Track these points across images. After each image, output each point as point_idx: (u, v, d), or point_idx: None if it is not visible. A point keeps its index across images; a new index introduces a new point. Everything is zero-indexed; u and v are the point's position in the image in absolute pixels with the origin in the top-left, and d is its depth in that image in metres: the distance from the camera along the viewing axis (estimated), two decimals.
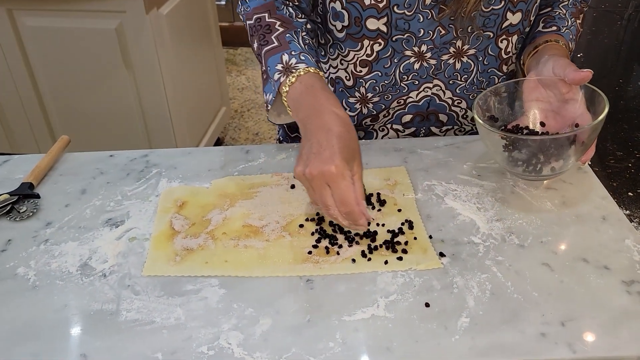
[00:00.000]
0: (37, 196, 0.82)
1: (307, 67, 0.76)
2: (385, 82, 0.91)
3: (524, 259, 0.69)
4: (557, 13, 0.91)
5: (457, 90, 0.93)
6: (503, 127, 0.82)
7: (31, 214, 0.79)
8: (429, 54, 0.88)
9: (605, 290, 0.64)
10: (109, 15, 1.77)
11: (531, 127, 0.81)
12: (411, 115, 0.97)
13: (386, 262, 0.69)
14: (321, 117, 0.70)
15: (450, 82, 0.92)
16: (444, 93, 0.94)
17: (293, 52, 0.78)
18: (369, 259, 0.70)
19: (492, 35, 0.87)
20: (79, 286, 0.68)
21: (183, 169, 0.88)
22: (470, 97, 0.94)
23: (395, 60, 0.89)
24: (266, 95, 0.82)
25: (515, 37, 0.89)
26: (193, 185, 0.84)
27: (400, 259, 0.70)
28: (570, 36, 0.89)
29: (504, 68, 0.93)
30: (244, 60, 3.46)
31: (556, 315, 0.62)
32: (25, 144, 2.12)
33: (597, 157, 0.87)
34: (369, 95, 0.93)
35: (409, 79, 0.91)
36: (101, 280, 0.68)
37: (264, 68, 0.82)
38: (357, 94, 0.94)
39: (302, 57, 0.77)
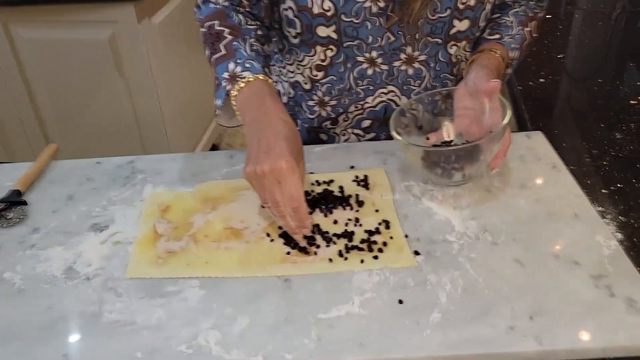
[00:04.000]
0: (25, 203, 0.84)
1: (252, 74, 0.79)
2: (341, 86, 0.93)
3: (496, 256, 0.71)
4: (504, 21, 0.91)
5: (412, 96, 0.95)
6: (427, 136, 0.87)
7: (18, 220, 0.81)
8: (380, 60, 0.90)
9: (574, 285, 0.66)
10: (102, 25, 1.80)
11: (452, 136, 0.86)
12: (370, 121, 0.99)
13: (362, 261, 0.71)
14: (269, 120, 0.74)
15: (405, 87, 0.94)
16: (400, 99, 0.95)
17: (239, 61, 0.81)
18: (346, 259, 0.72)
19: (440, 41, 0.89)
20: (63, 289, 0.70)
21: (168, 174, 0.90)
22: (426, 100, 0.93)
23: (349, 66, 0.91)
24: (216, 100, 0.84)
25: (464, 43, 0.91)
26: (177, 190, 0.86)
27: (376, 257, 0.72)
28: (513, 45, 0.89)
29: (457, 72, 0.95)
30: None
31: (525, 309, 0.63)
32: (22, 153, 2.15)
33: (573, 156, 0.89)
34: (326, 98, 0.96)
35: (364, 84, 0.93)
36: (85, 283, 0.70)
37: (215, 75, 0.85)
38: (315, 97, 0.97)
39: (247, 65, 0.80)
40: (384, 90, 0.94)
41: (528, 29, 0.93)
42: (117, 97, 1.94)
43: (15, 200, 0.83)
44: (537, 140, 0.93)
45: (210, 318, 0.65)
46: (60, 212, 0.83)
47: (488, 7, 0.88)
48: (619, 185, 0.84)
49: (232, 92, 0.79)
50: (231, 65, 0.81)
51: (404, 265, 0.70)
